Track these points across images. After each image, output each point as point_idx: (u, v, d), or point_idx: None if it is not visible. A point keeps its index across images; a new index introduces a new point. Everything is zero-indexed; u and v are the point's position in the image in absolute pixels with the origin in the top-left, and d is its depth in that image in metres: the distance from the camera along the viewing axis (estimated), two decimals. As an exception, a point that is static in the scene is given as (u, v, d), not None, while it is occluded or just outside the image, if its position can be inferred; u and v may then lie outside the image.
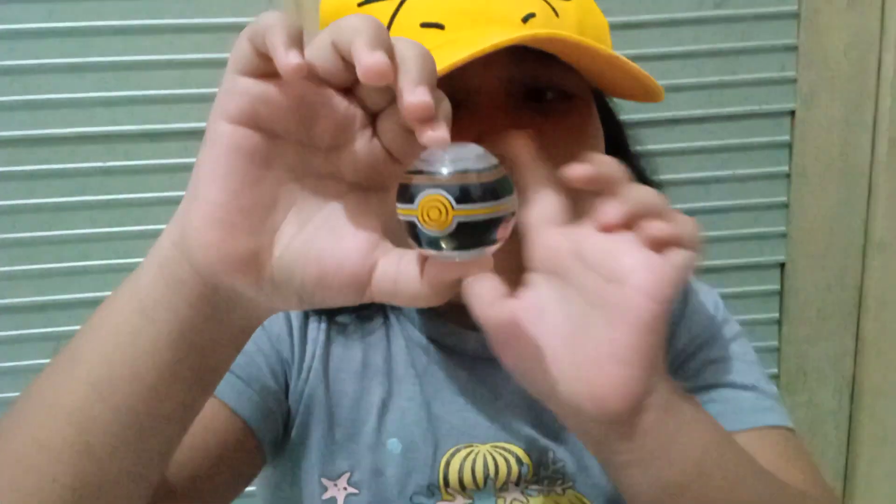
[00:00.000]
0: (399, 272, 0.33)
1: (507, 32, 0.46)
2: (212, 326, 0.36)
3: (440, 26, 0.47)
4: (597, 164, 0.38)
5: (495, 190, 0.31)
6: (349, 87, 0.33)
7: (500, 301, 0.39)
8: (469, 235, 0.31)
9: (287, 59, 0.29)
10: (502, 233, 0.32)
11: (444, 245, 0.31)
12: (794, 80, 0.90)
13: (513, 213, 0.32)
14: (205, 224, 0.32)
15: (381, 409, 0.57)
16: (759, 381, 0.60)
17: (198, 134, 0.85)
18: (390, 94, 0.33)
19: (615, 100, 0.66)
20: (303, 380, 0.58)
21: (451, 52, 0.41)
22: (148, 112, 0.85)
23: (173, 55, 0.84)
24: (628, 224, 0.38)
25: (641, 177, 0.68)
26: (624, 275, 0.37)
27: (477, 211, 0.31)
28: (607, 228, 0.38)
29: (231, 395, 0.53)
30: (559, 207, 0.40)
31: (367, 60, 0.29)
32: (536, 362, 0.39)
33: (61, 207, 0.86)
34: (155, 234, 0.85)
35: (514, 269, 0.40)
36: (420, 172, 0.31)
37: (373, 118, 0.34)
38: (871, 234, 0.94)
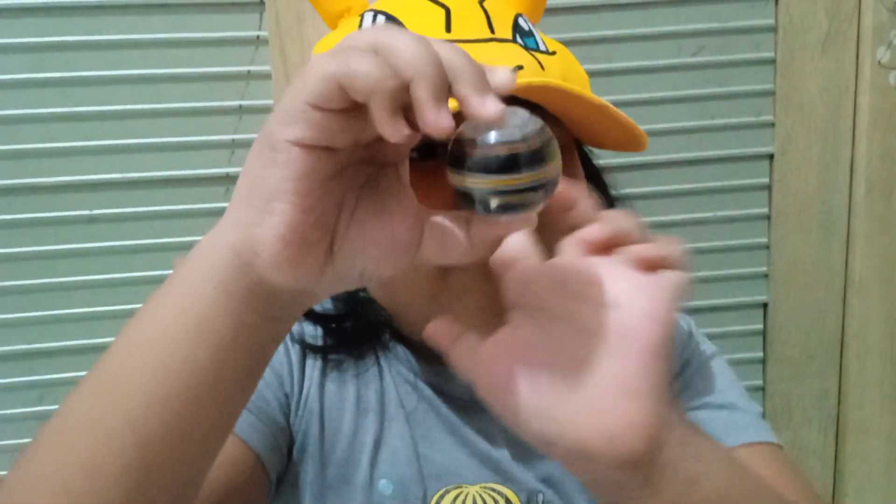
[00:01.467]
0: (444, 234, 0.34)
1: None
2: (271, 325, 0.36)
3: None
4: (613, 223, 0.38)
5: (541, 157, 0.33)
6: None
7: (474, 347, 0.39)
8: (516, 200, 0.33)
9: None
10: (547, 194, 0.34)
11: (492, 208, 0.33)
12: (771, 125, 0.92)
13: (558, 175, 0.34)
14: (280, 241, 0.32)
15: (373, 449, 0.58)
16: (738, 399, 0.61)
17: (182, 182, 0.86)
18: None
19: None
20: (299, 416, 0.58)
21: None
22: (133, 161, 0.85)
23: (159, 104, 0.85)
24: (610, 248, 0.38)
25: None
26: (619, 299, 0.36)
27: (524, 179, 0.32)
28: (592, 248, 0.38)
29: (245, 429, 0.54)
30: (531, 242, 0.40)
31: (437, 122, 0.29)
32: (533, 409, 0.36)
33: (45, 256, 0.86)
34: (140, 282, 0.86)
35: (493, 312, 0.40)
36: (469, 141, 0.33)
37: None
38: (851, 275, 0.95)
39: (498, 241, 0.35)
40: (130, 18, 0.83)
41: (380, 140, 0.33)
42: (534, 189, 0.33)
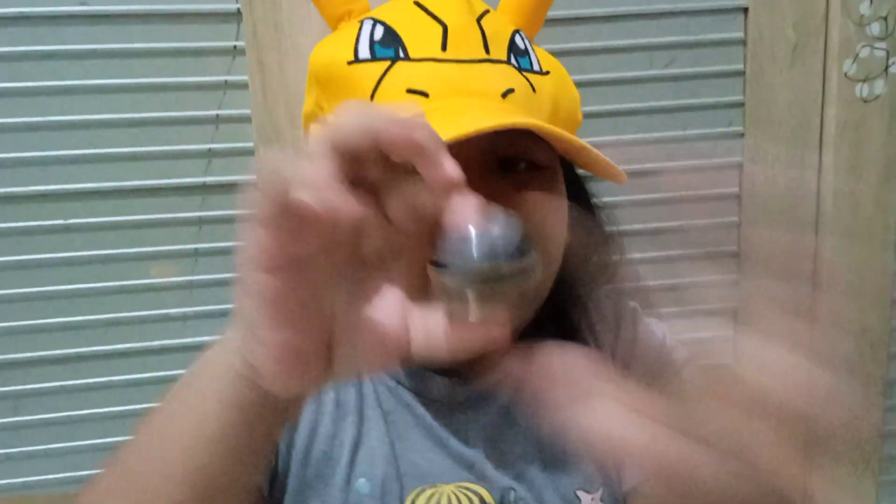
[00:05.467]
0: (428, 338, 0.35)
1: (487, 107, 0.49)
2: (279, 423, 0.40)
3: (425, 94, 0.50)
4: None
5: (521, 250, 0.34)
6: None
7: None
8: (494, 296, 0.34)
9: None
10: (526, 285, 0.35)
11: (471, 302, 0.34)
12: (741, 135, 0.93)
13: (536, 266, 0.35)
14: (278, 364, 0.34)
15: (352, 449, 0.59)
16: None
17: (158, 191, 0.86)
18: (393, 171, 0.34)
19: None
20: None
21: (435, 122, 0.43)
22: (109, 170, 0.85)
23: (135, 113, 0.85)
24: None
25: (601, 227, 0.71)
26: None
27: (505, 269, 0.33)
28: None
29: None
30: None
31: (452, 175, 0.31)
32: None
33: (20, 266, 0.86)
34: (116, 292, 0.85)
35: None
36: (447, 266, 0.34)
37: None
38: (818, 285, 0.96)
39: (476, 348, 0.36)
40: (107, 28, 0.83)
41: (368, 238, 0.35)
42: (514, 282, 0.34)
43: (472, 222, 0.33)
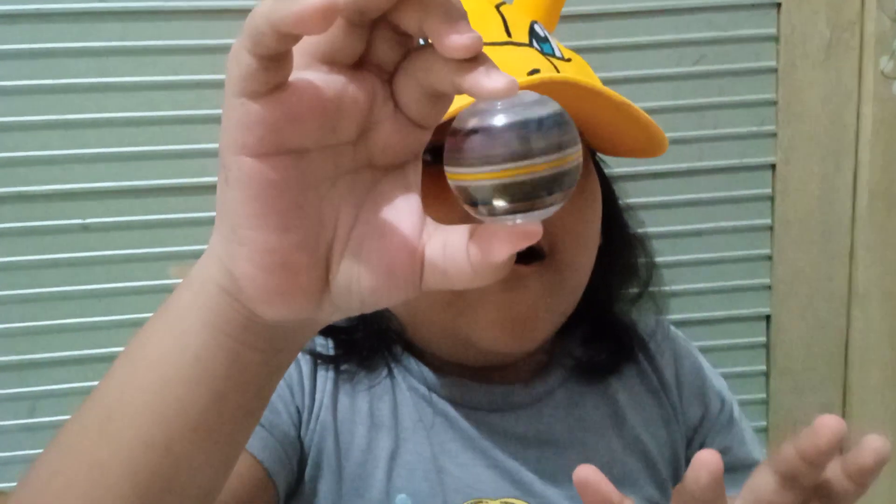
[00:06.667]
0: (446, 259, 0.30)
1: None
2: (270, 359, 0.34)
3: None
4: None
5: (558, 141, 0.28)
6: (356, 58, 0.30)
7: None
8: (530, 195, 0.28)
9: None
10: (565, 189, 0.28)
11: (500, 208, 0.28)
12: (773, 135, 0.91)
13: (578, 166, 0.29)
14: (261, 272, 0.29)
15: (388, 463, 0.56)
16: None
17: (176, 190, 0.85)
18: (402, 46, 0.30)
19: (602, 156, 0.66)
20: (311, 429, 0.57)
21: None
22: (127, 169, 0.84)
23: (153, 112, 0.84)
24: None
25: (627, 229, 0.69)
26: None
27: (538, 167, 0.27)
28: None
29: (254, 443, 0.52)
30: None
31: (466, 40, 0.26)
32: None
33: (37, 265, 0.85)
34: (135, 292, 0.84)
35: None
36: (468, 129, 0.28)
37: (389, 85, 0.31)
38: (854, 286, 0.93)
39: (507, 265, 0.29)
40: (124, 25, 0.82)
41: (378, 132, 0.30)
42: (550, 181, 0.28)
43: (498, 94, 0.27)
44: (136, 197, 0.85)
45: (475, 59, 0.27)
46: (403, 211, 0.31)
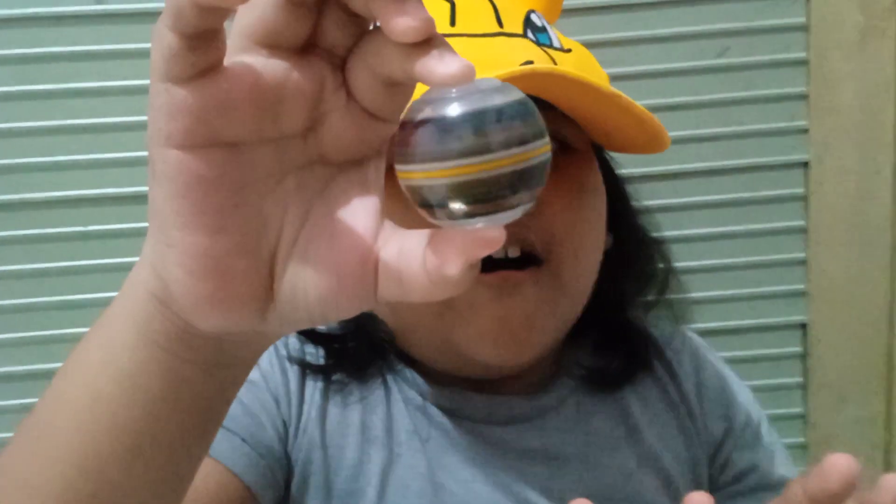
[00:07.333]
0: (401, 267, 0.27)
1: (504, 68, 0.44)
2: (213, 375, 0.31)
3: None
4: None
5: (521, 132, 0.25)
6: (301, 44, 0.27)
7: None
8: (491, 195, 0.25)
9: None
10: (534, 188, 0.25)
11: (458, 211, 0.25)
12: (805, 130, 0.86)
13: (545, 162, 0.26)
14: (191, 278, 0.27)
15: (381, 479, 0.54)
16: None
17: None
18: (355, 28, 0.27)
19: (616, 154, 0.64)
20: (298, 444, 0.54)
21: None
22: (128, 175, 0.83)
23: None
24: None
25: (641, 234, 0.67)
26: None
27: (498, 163, 0.24)
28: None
29: (237, 460, 0.50)
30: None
31: (414, 22, 0.23)
32: None
33: (37, 274, 0.84)
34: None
35: None
36: (418, 121, 0.25)
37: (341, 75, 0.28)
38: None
39: (468, 275, 0.26)
40: (125, 28, 0.81)
41: (329, 125, 0.28)
42: (513, 178, 0.25)
43: (452, 80, 0.24)
44: (138, 204, 0.83)
45: (427, 43, 0.24)
46: (358, 212, 0.28)
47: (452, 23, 0.50)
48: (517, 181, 0.25)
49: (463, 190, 0.24)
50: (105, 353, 0.30)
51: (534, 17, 0.54)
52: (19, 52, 0.81)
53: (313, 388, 0.56)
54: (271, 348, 0.57)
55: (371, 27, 0.27)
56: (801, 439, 0.92)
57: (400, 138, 0.26)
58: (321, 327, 0.59)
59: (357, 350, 0.58)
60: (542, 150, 0.25)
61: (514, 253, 0.51)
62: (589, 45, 0.59)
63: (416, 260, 0.26)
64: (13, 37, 0.80)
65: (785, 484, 0.61)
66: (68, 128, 0.82)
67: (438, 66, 0.24)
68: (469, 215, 0.25)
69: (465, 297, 0.49)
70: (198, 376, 0.30)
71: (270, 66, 0.26)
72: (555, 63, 0.50)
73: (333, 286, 0.27)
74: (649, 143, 0.53)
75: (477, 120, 0.24)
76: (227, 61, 0.26)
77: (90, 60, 0.81)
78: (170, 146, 0.26)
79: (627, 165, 0.66)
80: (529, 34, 0.52)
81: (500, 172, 0.24)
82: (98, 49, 0.81)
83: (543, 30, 0.54)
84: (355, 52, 0.27)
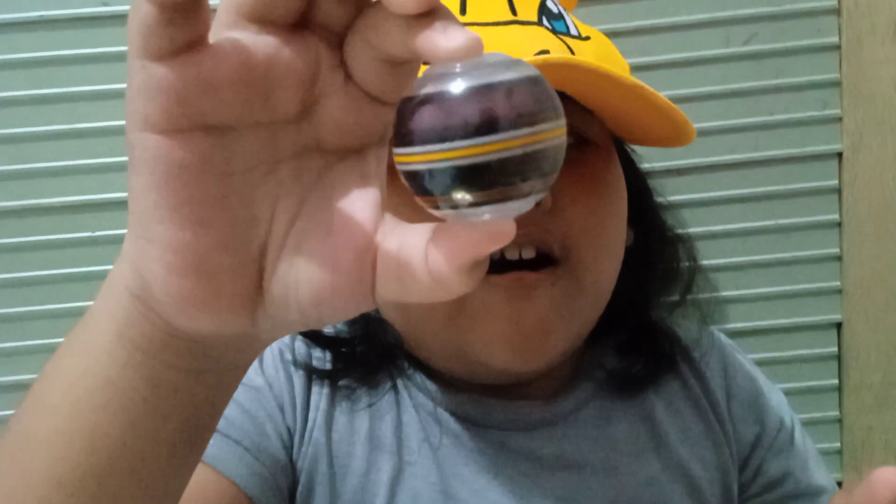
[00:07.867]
0: (401, 265, 0.25)
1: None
2: (199, 382, 0.29)
3: None
4: None
5: (532, 111, 0.22)
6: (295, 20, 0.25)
7: None
8: (498, 181, 0.22)
9: None
10: (547, 175, 0.23)
11: (462, 199, 0.23)
12: (839, 119, 0.83)
13: (560, 146, 0.23)
14: (173, 275, 0.25)
15: (390, 489, 0.52)
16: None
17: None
18: (352, 2, 0.25)
19: (639, 148, 0.62)
20: (304, 452, 0.53)
21: None
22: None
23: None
24: None
25: (665, 231, 0.65)
26: None
27: (507, 144, 0.22)
28: None
29: (239, 470, 0.48)
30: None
31: None
32: None
33: (45, 280, 0.82)
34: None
35: None
36: (420, 99, 0.23)
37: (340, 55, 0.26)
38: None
39: (474, 272, 0.24)
40: (130, 29, 0.80)
41: (325, 108, 0.25)
42: (523, 163, 0.22)
43: (457, 54, 0.22)
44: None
45: (430, 15, 0.22)
46: (356, 204, 0.26)
47: (463, 11, 0.49)
48: (528, 166, 0.22)
49: (467, 175, 0.22)
50: (84, 358, 0.29)
51: (549, 3, 0.52)
52: (25, 57, 0.80)
53: (319, 393, 0.55)
54: (276, 353, 0.56)
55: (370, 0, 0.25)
56: (836, 444, 0.88)
57: (398, 118, 0.23)
58: (328, 330, 0.58)
59: (365, 354, 0.56)
60: (556, 132, 0.23)
61: (528, 254, 0.49)
62: (608, 34, 0.57)
63: (417, 256, 0.24)
64: (19, 41, 0.79)
65: (820, 491, 0.58)
66: (76, 132, 0.81)
67: (442, 39, 0.22)
68: (474, 204, 0.23)
69: (477, 299, 0.48)
70: (183, 382, 0.28)
71: (260, 43, 0.24)
72: (572, 52, 0.48)
73: (328, 284, 0.25)
74: (673, 135, 0.51)
75: (483, 96, 0.22)
76: (212, 38, 0.24)
77: (96, 63, 0.80)
78: (148, 130, 0.24)
79: (651, 159, 0.64)
80: (545, 22, 0.50)
81: (509, 155, 0.22)
82: (105, 51, 0.80)
83: (560, 17, 0.52)
84: (353, 28, 0.25)
